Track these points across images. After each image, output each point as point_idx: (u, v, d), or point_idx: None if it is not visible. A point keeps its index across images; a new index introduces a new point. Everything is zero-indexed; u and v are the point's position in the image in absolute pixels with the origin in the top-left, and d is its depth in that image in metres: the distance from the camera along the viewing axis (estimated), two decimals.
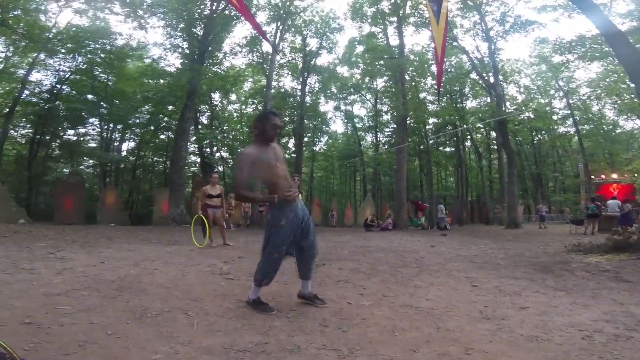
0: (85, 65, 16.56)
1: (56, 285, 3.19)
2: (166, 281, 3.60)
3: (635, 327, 2.43)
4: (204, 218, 6.47)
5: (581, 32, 15.46)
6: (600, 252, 5.95)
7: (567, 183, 28.88)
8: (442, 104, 22.91)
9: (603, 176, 21.90)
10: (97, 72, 16.88)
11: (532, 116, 21.27)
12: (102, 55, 15.89)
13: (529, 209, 28.04)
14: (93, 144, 19.84)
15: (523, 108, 21.58)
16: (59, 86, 17.54)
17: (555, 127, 26.53)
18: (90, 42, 15.23)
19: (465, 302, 3.11)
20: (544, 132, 27.54)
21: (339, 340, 2.21)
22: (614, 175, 21.04)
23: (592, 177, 22.80)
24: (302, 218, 2.78)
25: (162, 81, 17.28)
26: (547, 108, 22.22)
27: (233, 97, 25.36)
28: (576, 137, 25.48)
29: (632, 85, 9.66)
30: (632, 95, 15.75)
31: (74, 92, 17.87)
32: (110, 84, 17.41)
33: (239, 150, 24.88)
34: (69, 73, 17.28)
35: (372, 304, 3.01)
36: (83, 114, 17.27)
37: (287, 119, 25.00)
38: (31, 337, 2.05)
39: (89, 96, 17.49)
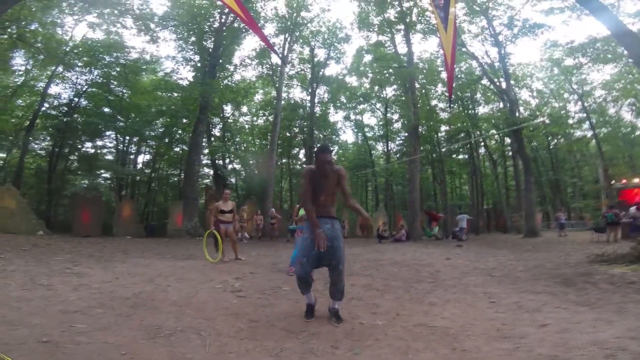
0: (101, 79, 17.07)
1: (73, 302, 3.25)
2: (179, 298, 3.62)
3: None
4: (216, 233, 6.53)
5: (591, 34, 15.18)
6: (625, 262, 5.67)
7: (587, 189, 27.85)
8: (454, 111, 22.68)
9: (624, 181, 21.06)
10: (113, 86, 17.35)
11: (547, 121, 20.79)
12: (117, 68, 16.36)
13: (548, 216, 27.17)
14: (110, 157, 20.37)
15: (538, 114, 21.15)
16: (76, 99, 18.11)
17: (572, 132, 25.81)
18: (105, 56, 15.72)
19: (482, 320, 3.01)
20: (560, 136, 26.83)
21: None
22: (637, 180, 20.19)
23: (613, 182, 21.98)
24: (330, 237, 2.93)
25: (175, 94, 17.68)
26: (562, 112, 21.69)
27: (244, 109, 25.76)
28: (594, 141, 24.72)
29: None
30: None
31: (90, 105, 18.43)
32: (125, 97, 17.86)
33: (250, 162, 25.24)
34: (86, 86, 17.84)
35: (385, 324, 2.95)
36: (100, 127, 17.75)
37: (296, 130, 25.23)
38: (48, 356, 2.09)
39: (105, 109, 17.99)
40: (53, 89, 18.04)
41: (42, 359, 2.04)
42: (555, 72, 22.89)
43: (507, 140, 24.41)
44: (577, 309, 3.28)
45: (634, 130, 25.81)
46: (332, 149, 3.24)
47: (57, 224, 15.58)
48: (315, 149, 3.15)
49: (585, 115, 23.25)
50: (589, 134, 25.00)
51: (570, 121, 23.23)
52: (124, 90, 17.59)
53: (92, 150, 19.57)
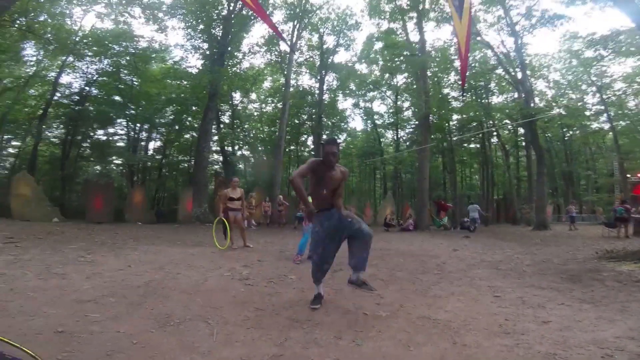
0: (111, 68, 17.23)
1: (86, 291, 3.37)
2: (188, 286, 3.72)
3: None
4: (225, 221, 6.63)
5: (615, 27, 14.54)
6: (635, 259, 5.58)
7: (601, 182, 27.27)
8: (467, 100, 22.23)
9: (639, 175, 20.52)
10: (123, 74, 17.52)
11: (563, 112, 20.23)
12: (127, 57, 16.46)
13: (559, 209, 26.73)
14: (121, 144, 20.71)
15: (554, 104, 20.54)
16: (87, 88, 18.38)
17: (588, 123, 25.11)
18: (114, 45, 15.82)
19: (485, 314, 3.03)
20: (575, 128, 26.14)
21: (353, 355, 2.22)
22: None
23: (628, 175, 21.44)
24: (341, 222, 3.06)
25: (184, 82, 17.75)
26: (579, 104, 21.04)
27: (253, 96, 25.72)
28: (610, 134, 24.01)
29: None
30: None
31: (101, 93, 18.68)
32: (135, 85, 18.03)
33: (259, 148, 25.34)
34: (96, 75, 18.06)
35: (388, 315, 2.99)
36: (111, 115, 18.01)
37: (305, 117, 25.11)
38: (63, 346, 2.18)
39: (116, 98, 18.21)
40: (64, 79, 18.41)
41: (57, 349, 2.13)
42: (574, 64, 22.13)
43: (521, 130, 23.91)
44: (581, 306, 3.27)
45: None
46: (339, 142, 3.27)
47: (71, 210, 16.00)
48: (323, 141, 3.21)
49: (603, 107, 22.52)
50: (606, 126, 24.27)
51: (587, 113, 22.54)
52: (134, 79, 17.71)
53: (104, 138, 19.92)
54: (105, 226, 11.10)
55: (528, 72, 18.71)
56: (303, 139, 27.30)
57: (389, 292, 3.77)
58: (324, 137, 24.90)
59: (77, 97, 18.41)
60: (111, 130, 20.07)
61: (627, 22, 11.10)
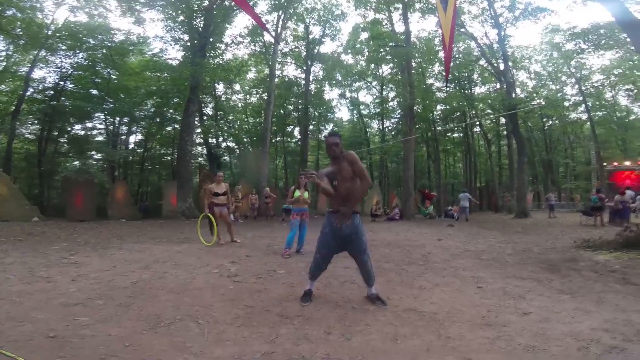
0: (86, 62, 16.58)
1: (73, 294, 3.31)
2: (176, 285, 3.70)
3: (632, 338, 2.40)
4: (211, 216, 6.57)
5: (596, 21, 14.89)
6: (610, 248, 5.80)
7: (579, 170, 28.34)
8: (450, 90, 22.52)
9: (615, 163, 21.38)
10: (99, 68, 16.88)
11: (543, 103, 20.79)
12: (103, 50, 15.84)
13: (539, 196, 27.72)
14: (101, 138, 20.05)
15: (534, 95, 21.04)
16: (62, 83, 17.66)
17: (567, 114, 25.92)
18: (90, 39, 15.18)
19: (469, 305, 3.14)
20: (555, 118, 26.95)
21: (343, 350, 2.27)
22: (627, 163, 20.44)
23: (605, 164, 22.32)
24: (351, 234, 3.07)
25: (165, 74, 17.27)
26: (559, 94, 21.65)
27: (237, 87, 25.30)
28: (588, 124, 24.88)
29: None
30: None
31: (77, 88, 17.99)
32: (113, 78, 17.43)
33: (245, 139, 25.07)
34: (71, 70, 17.35)
35: (376, 308, 3.07)
36: (89, 109, 17.40)
37: (291, 108, 24.94)
38: (57, 351, 2.16)
39: (93, 92, 17.59)
40: (37, 73, 17.66)
41: (51, 355, 2.10)
42: (555, 56, 22.71)
43: (503, 120, 24.49)
44: (560, 297, 3.40)
45: (629, 114, 26.21)
46: (340, 133, 3.25)
47: (50, 208, 15.57)
48: (325, 135, 3.28)
49: (581, 98, 23.29)
50: (584, 116, 25.13)
51: (567, 104, 23.26)
52: (111, 72, 17.11)
53: (82, 133, 19.26)
54: (88, 224, 10.82)
55: (510, 64, 19.10)
56: (289, 129, 27.15)
57: (376, 285, 3.80)
58: (311, 127, 24.98)
59: (52, 92, 17.68)
60: (89, 124, 19.43)
61: (607, 16, 11.35)
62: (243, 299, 3.28)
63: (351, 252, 3.17)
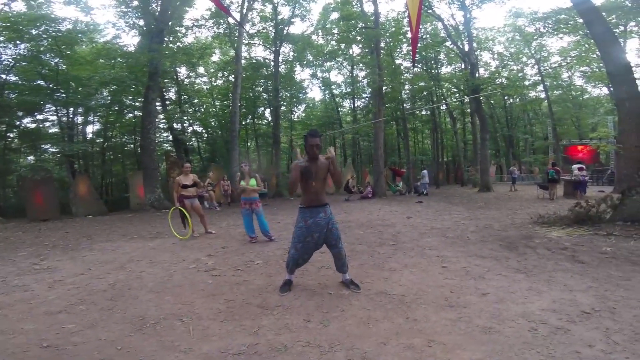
0: (30, 53, 15.14)
1: (53, 302, 3.29)
2: (155, 284, 3.74)
3: (575, 319, 2.57)
4: (182, 210, 6.51)
5: (557, 6, 15.54)
6: (563, 225, 6.24)
7: (537, 145, 30.23)
8: (418, 71, 22.91)
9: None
10: (46, 58, 15.46)
11: (504, 82, 21.75)
12: (49, 40, 14.49)
13: (501, 169, 29.44)
14: (55, 130, 18.64)
15: (497, 75, 21.89)
16: (4, 76, 16.11)
17: (527, 92, 27.28)
18: (32, 29, 13.83)
19: (433, 286, 3.40)
20: (515, 96, 28.31)
21: (321, 336, 2.45)
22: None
23: (560, 139, 23.98)
24: (326, 225, 3.27)
25: (119, 60, 16.18)
26: (520, 74, 22.69)
27: (201, 69, 24.25)
28: (546, 102, 26.45)
29: (603, 63, 9.85)
30: (602, 65, 16.14)
31: (22, 80, 16.46)
32: (63, 68, 16.08)
33: (212, 123, 24.34)
34: (13, 62, 15.81)
35: (350, 293, 3.27)
36: (37, 101, 16.04)
37: (260, 89, 24.38)
38: None
39: (41, 83, 16.19)
40: None
41: None
42: (517, 38, 23.63)
43: (467, 99, 25.42)
44: (515, 276, 3.64)
45: (583, 94, 28.10)
46: (321, 134, 3.39)
47: (9, 209, 14.54)
48: (306, 133, 3.34)
49: (540, 78, 24.59)
50: (543, 95, 26.67)
51: (526, 83, 24.46)
52: (60, 62, 15.77)
53: (33, 126, 17.81)
54: (52, 224, 10.26)
55: (475, 45, 19.65)
56: (260, 111, 26.66)
57: (350, 269, 3.93)
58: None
59: None
60: (40, 117, 17.95)
61: (567, 2, 11.86)
62: (223, 293, 3.38)
63: (327, 242, 3.33)
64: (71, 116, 18.70)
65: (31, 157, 17.29)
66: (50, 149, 18.44)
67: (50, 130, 18.38)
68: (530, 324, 2.52)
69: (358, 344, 2.32)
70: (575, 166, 12.69)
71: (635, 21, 14.39)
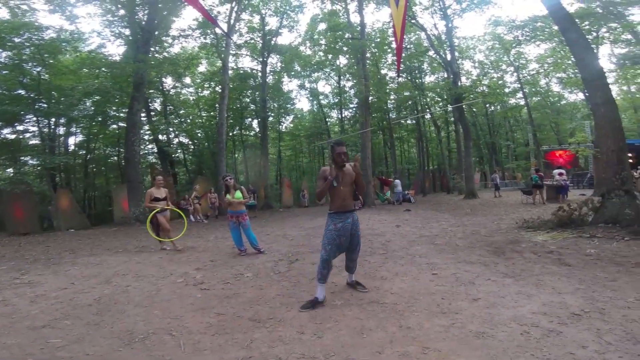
0: (11, 61, 14.78)
1: (36, 316, 3.17)
2: (142, 299, 3.64)
3: (566, 321, 2.59)
4: (158, 218, 6.51)
5: (534, 14, 16.22)
6: (547, 228, 6.37)
7: (519, 151, 31.09)
8: (402, 79, 23.41)
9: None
10: (28, 67, 15.11)
11: (485, 90, 22.40)
12: (31, 48, 14.19)
13: (485, 176, 30.10)
14: (35, 141, 18.10)
15: (478, 83, 22.55)
16: None
17: (507, 100, 28.14)
18: (14, 37, 13.53)
19: (425, 294, 3.41)
20: (496, 104, 29.17)
21: (316, 348, 2.41)
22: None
23: (540, 145, 24.72)
24: (351, 231, 3.41)
25: (104, 70, 15.96)
26: (500, 82, 23.43)
27: (187, 80, 24.14)
28: (526, 109, 27.34)
29: (578, 69, 10.19)
30: (577, 71, 16.81)
31: (2, 89, 16.00)
32: (45, 77, 15.71)
33: (199, 134, 24.15)
34: None
35: (343, 303, 3.25)
36: (20, 111, 15.58)
37: (248, 100, 24.40)
38: None
39: (22, 92, 15.75)
40: None
41: None
42: (497, 46, 24.48)
43: (450, 107, 26.06)
44: (504, 281, 3.67)
45: (561, 100, 29.25)
46: (346, 143, 3.47)
47: None
48: (332, 143, 3.50)
49: (519, 85, 25.44)
50: (522, 102, 27.59)
51: (507, 90, 25.27)
52: (42, 72, 15.43)
53: (13, 137, 17.24)
54: (33, 238, 9.93)
55: (457, 54, 20.25)
56: (248, 122, 26.62)
57: (342, 279, 4.00)
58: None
59: None
60: (20, 128, 17.40)
61: (543, 9, 12.35)
62: (213, 307, 3.32)
63: (350, 246, 3.47)
64: (53, 127, 18.26)
65: (10, 170, 16.68)
66: (31, 162, 17.84)
67: (31, 142, 17.76)
68: (522, 328, 2.54)
69: (353, 354, 2.30)
70: (556, 171, 13.07)
71: (606, 27, 15.02)
